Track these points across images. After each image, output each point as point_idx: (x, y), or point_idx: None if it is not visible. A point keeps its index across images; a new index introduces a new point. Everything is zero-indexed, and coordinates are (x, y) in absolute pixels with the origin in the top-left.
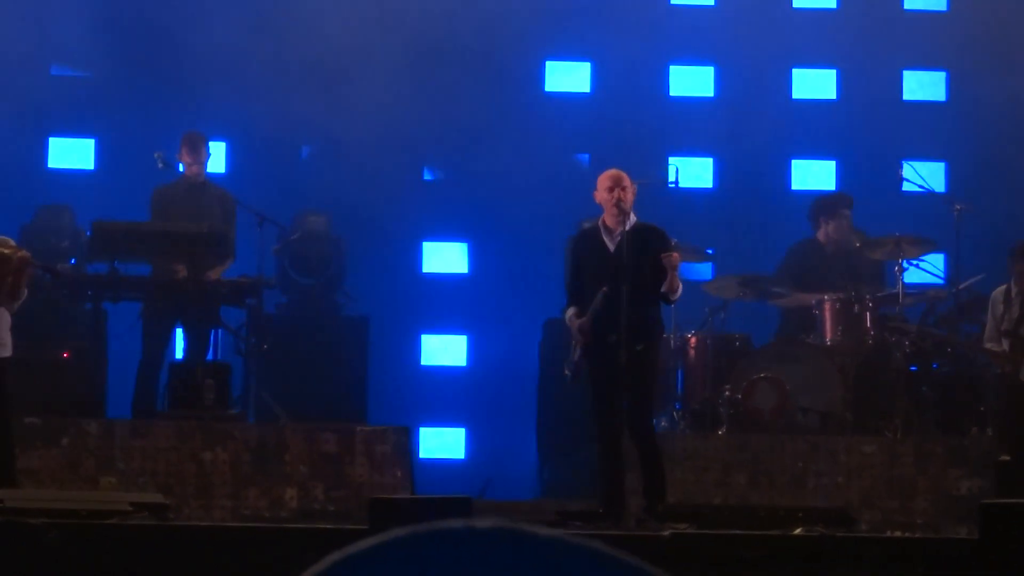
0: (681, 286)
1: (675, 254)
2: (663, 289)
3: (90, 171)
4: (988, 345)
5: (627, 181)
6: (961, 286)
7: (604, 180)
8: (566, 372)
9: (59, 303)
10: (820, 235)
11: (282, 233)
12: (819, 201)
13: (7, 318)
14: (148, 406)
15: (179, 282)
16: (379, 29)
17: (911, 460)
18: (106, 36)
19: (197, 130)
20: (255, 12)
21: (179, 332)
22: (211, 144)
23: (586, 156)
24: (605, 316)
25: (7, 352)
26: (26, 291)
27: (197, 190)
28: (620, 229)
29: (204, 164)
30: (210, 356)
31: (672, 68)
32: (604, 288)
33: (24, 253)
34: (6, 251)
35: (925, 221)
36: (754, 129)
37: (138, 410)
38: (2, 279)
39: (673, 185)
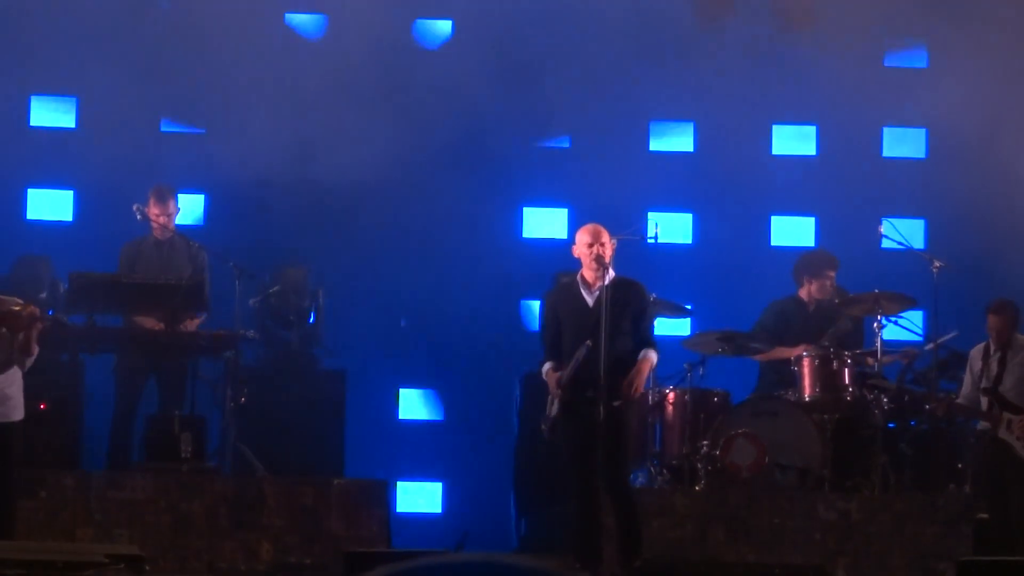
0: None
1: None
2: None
3: (68, 223)
4: (960, 401)
5: (606, 236)
6: (934, 343)
7: (583, 235)
8: (543, 428)
9: (37, 354)
10: (802, 293)
11: (260, 286)
12: (805, 259)
13: (20, 380)
14: (123, 458)
15: (155, 334)
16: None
17: (889, 517)
18: (84, 88)
19: (166, 183)
20: (234, 71)
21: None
22: (191, 197)
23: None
24: (584, 371)
25: (20, 415)
26: (38, 348)
27: (166, 244)
28: (599, 284)
29: (173, 217)
30: (187, 408)
31: (652, 124)
32: (588, 342)
33: (33, 308)
34: (15, 308)
35: (904, 278)
36: (734, 185)
37: (114, 462)
38: (13, 336)
39: (653, 240)
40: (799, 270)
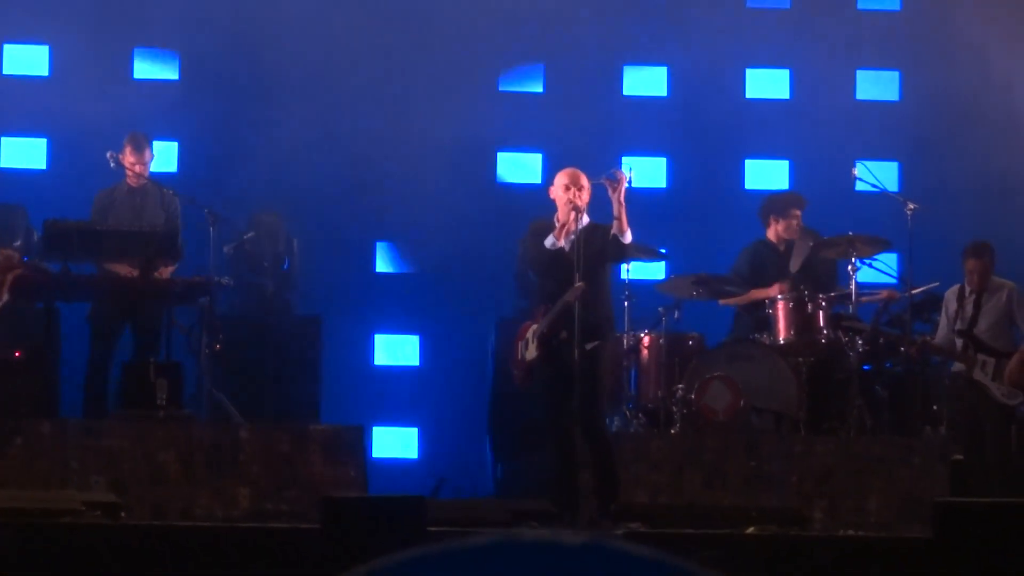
0: (629, 231)
1: (619, 174)
2: (613, 231)
3: (42, 171)
4: (937, 342)
5: (584, 181)
6: (916, 291)
7: (561, 177)
8: (516, 374)
9: (11, 302)
10: (770, 234)
11: (235, 232)
12: (770, 200)
13: None
14: (98, 406)
15: (129, 281)
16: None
17: (864, 459)
18: (58, 36)
19: (141, 131)
20: (207, 16)
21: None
22: (165, 144)
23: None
24: (563, 314)
25: None
26: (8, 295)
27: (139, 192)
28: (574, 228)
29: (148, 164)
30: (162, 356)
31: (626, 68)
32: (580, 283)
33: (9, 253)
34: None
35: (878, 221)
36: (707, 129)
37: (89, 410)
38: None
39: (627, 185)
40: (765, 211)
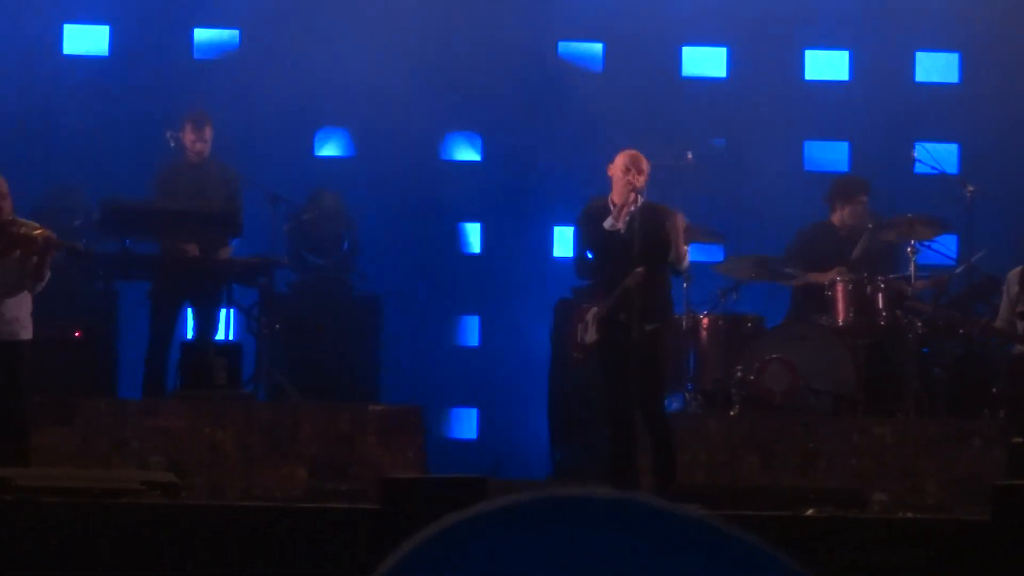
0: (687, 253)
1: (679, 218)
2: (669, 257)
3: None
4: (998, 324)
5: (644, 164)
6: (965, 264)
7: (622, 158)
8: (575, 355)
9: (71, 282)
10: (835, 218)
11: (294, 212)
12: (837, 184)
13: (29, 301)
14: (158, 385)
15: (189, 260)
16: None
17: (923, 441)
18: (116, 16)
19: (201, 108)
20: None
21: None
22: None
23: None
24: (622, 296)
25: (28, 335)
26: (49, 273)
27: (200, 169)
28: (630, 209)
29: (209, 142)
30: (222, 335)
31: (684, 49)
32: (639, 269)
33: (48, 233)
34: (33, 232)
35: (938, 202)
36: (766, 110)
37: (148, 389)
38: (26, 259)
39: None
40: (832, 195)
